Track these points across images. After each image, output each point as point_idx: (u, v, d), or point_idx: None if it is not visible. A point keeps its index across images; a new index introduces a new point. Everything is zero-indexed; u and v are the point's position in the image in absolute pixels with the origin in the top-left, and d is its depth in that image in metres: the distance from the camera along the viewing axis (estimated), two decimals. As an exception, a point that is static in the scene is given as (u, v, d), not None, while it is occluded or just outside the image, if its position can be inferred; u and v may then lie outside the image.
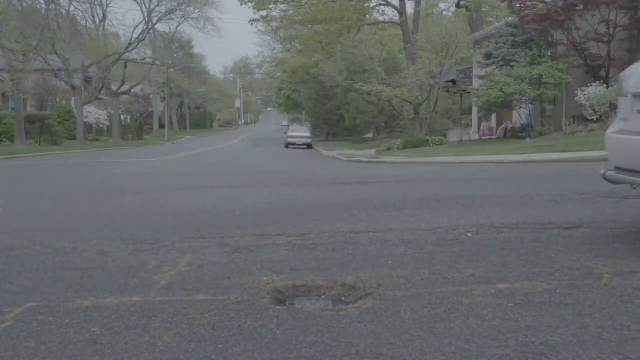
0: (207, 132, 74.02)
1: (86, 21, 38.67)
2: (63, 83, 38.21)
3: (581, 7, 19.04)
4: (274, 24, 44.31)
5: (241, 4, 38.60)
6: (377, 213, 5.62)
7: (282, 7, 39.76)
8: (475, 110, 27.25)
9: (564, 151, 12.94)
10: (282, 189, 8.48)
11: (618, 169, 3.93)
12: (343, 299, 3.02)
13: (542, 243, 4.02)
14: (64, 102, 42.20)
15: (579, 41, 19.48)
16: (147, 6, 44.47)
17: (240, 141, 46.98)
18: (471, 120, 30.31)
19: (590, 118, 18.61)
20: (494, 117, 25.57)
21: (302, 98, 56.08)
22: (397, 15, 37.28)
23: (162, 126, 57.70)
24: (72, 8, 33.89)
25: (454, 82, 31.11)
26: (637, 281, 3.07)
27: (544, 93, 19.24)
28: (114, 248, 4.21)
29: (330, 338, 2.38)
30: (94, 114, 43.22)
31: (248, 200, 7.05)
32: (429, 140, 23.44)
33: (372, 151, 25.16)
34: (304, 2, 38.18)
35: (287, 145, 36.22)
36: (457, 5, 38.02)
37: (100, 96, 42.63)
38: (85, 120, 38.45)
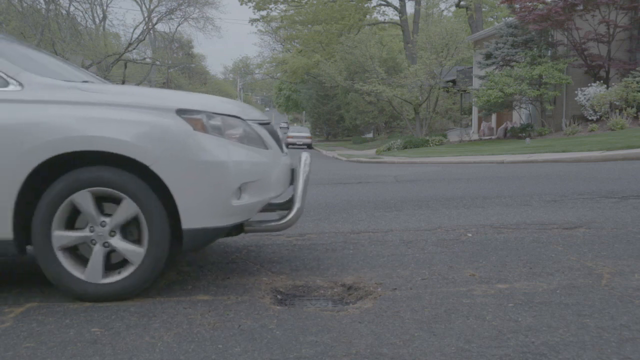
0: (207, 132, 73.81)
1: (86, 21, 38.56)
2: (63, 83, 38.13)
3: (581, 7, 19.05)
4: (274, 24, 44.35)
5: (241, 4, 38.65)
6: (377, 213, 5.62)
7: (282, 7, 39.82)
8: (475, 110, 27.26)
9: (563, 151, 12.93)
10: (282, 189, 8.47)
11: None
12: (343, 299, 3.02)
13: (542, 243, 4.01)
14: (64, 102, 42.08)
15: (579, 41, 19.49)
16: (147, 6, 44.44)
17: (240, 141, 46.84)
18: (471, 120, 30.31)
19: (590, 118, 18.63)
20: (494, 117, 25.58)
21: (302, 98, 56.11)
22: (397, 15, 37.31)
23: (162, 126, 57.61)
24: (72, 8, 33.77)
25: (454, 82, 31.12)
26: (637, 281, 3.07)
27: (544, 93, 19.25)
28: (114, 248, 4.20)
29: (330, 338, 2.38)
30: (94, 114, 43.14)
31: (248, 200, 7.03)
32: (429, 140, 23.46)
33: (372, 151, 25.18)
34: (304, 2, 38.20)
35: (287, 145, 36.20)
36: (457, 5, 38.00)
37: (100, 96, 42.54)
38: (85, 120, 38.32)
